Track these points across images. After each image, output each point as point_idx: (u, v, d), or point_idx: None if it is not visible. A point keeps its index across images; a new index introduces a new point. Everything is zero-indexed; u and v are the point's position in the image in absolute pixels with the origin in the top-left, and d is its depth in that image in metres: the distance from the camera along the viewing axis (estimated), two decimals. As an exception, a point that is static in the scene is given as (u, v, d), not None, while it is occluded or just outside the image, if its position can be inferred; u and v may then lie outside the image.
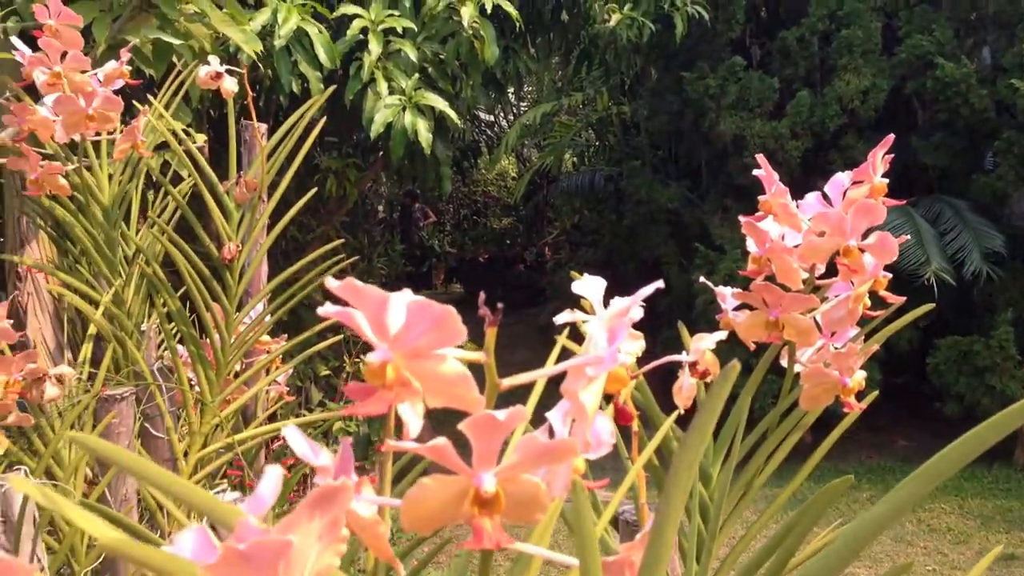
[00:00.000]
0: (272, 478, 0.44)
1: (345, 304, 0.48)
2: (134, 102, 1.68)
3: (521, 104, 10.33)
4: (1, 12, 2.39)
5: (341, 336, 2.48)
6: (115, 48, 2.54)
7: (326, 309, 0.47)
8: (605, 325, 0.51)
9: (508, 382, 0.51)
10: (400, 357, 0.45)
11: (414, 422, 0.51)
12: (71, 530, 1.51)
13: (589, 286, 0.85)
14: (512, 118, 10.04)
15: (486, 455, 0.44)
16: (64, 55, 1.39)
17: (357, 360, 4.75)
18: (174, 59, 2.71)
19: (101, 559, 1.50)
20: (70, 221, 1.78)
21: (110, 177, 1.70)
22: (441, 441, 0.44)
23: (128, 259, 1.84)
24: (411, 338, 0.44)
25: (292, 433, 0.52)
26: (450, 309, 0.45)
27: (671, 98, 5.88)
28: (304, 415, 4.09)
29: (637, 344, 0.82)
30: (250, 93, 1.71)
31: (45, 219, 3.09)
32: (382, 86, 3.42)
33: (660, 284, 0.57)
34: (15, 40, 1.44)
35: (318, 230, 4.83)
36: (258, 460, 2.11)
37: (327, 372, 4.67)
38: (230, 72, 1.63)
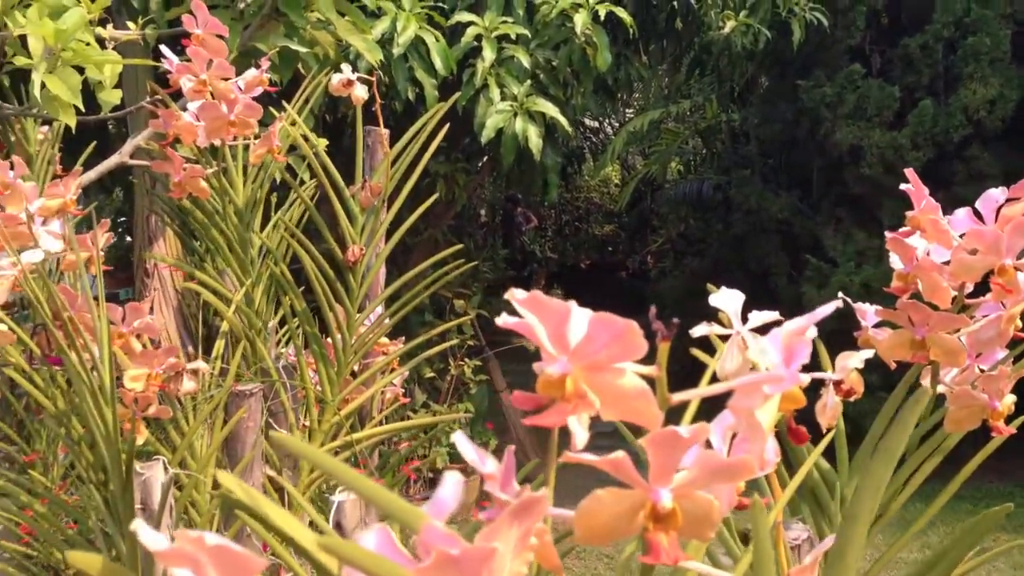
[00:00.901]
0: (451, 484, 0.45)
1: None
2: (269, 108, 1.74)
3: (626, 111, 10.27)
4: (140, 20, 2.51)
5: (457, 340, 2.50)
6: (246, 56, 2.63)
7: (504, 319, 0.48)
8: (782, 343, 0.50)
9: (679, 397, 0.51)
10: (579, 370, 0.45)
11: (580, 433, 0.51)
12: (201, 520, 1.57)
13: (726, 299, 0.84)
14: (617, 125, 10.01)
15: (663, 470, 0.44)
16: (210, 63, 1.45)
17: (461, 363, 4.80)
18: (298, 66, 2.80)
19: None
20: (204, 222, 1.86)
21: (243, 180, 1.76)
22: (620, 454, 0.44)
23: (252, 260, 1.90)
24: (591, 351, 0.45)
25: (461, 439, 0.53)
26: (632, 323, 0.45)
27: (784, 106, 5.76)
28: (409, 416, 4.16)
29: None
30: (378, 100, 1.75)
31: (172, 218, 3.22)
32: (494, 92, 3.45)
33: (838, 304, 0.55)
34: (164, 49, 1.50)
35: (425, 234, 4.90)
36: (372, 459, 2.15)
37: (432, 374, 4.73)
38: (362, 80, 1.67)
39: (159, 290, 3.68)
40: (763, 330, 0.86)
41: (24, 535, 2.09)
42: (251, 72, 1.50)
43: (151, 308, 3.64)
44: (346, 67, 1.65)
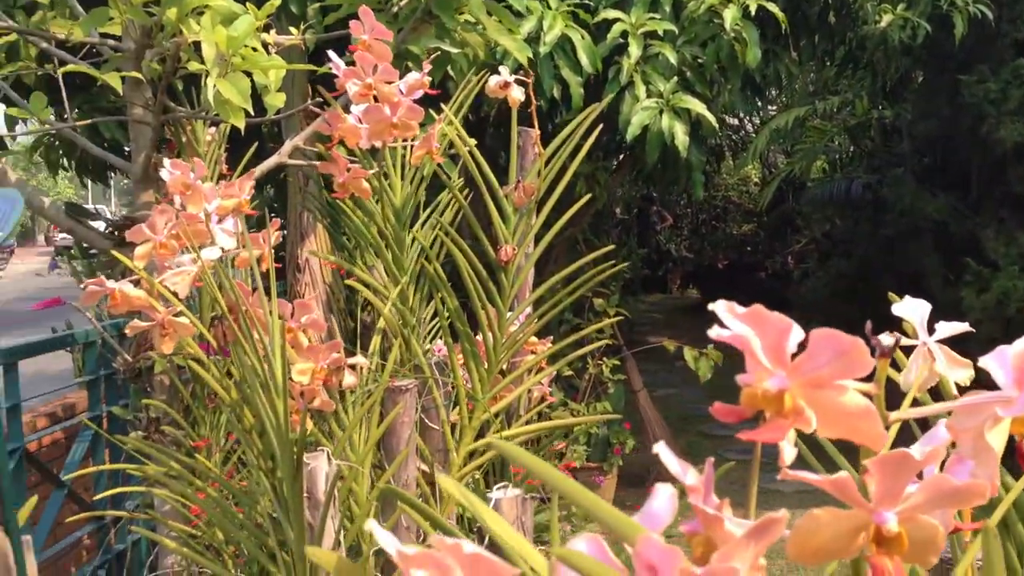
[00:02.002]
0: (664, 496, 0.45)
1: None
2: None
3: (768, 108, 10.01)
4: (301, 26, 2.60)
5: (602, 342, 2.49)
6: (399, 58, 2.69)
7: (718, 332, 0.47)
8: (1011, 363, 0.47)
9: (896, 416, 0.48)
10: (798, 386, 0.44)
11: (788, 450, 0.50)
12: (361, 511, 1.62)
13: (911, 308, 0.80)
14: (758, 122, 9.76)
15: (889, 493, 0.43)
16: (375, 68, 1.49)
17: (599, 362, 4.79)
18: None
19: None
20: (362, 219, 1.91)
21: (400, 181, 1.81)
22: (843, 475, 0.43)
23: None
24: (813, 367, 0.43)
25: (663, 451, 0.52)
26: (858, 340, 0.43)
27: (942, 102, 5.48)
28: (548, 415, 4.17)
29: (966, 372, 0.76)
30: (534, 101, 1.76)
31: (323, 215, 3.33)
32: (640, 89, 3.42)
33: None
34: (332, 55, 1.55)
35: (566, 233, 4.90)
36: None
37: (570, 373, 4.73)
38: (518, 82, 1.68)
39: (309, 285, 3.82)
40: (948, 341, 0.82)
41: (192, 516, 2.21)
42: (413, 75, 1.53)
43: (303, 302, 3.78)
44: (504, 69, 1.66)
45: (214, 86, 1.97)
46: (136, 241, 1.33)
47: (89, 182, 5.55)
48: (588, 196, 2.00)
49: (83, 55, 2.58)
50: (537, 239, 1.96)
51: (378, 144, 1.62)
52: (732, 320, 0.46)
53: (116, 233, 2.53)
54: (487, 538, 1.44)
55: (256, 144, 3.24)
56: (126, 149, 4.48)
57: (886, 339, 0.79)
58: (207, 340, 1.53)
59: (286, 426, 1.36)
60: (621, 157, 4.99)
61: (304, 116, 2.93)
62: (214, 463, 2.43)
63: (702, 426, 6.92)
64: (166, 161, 1.43)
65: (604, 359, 4.74)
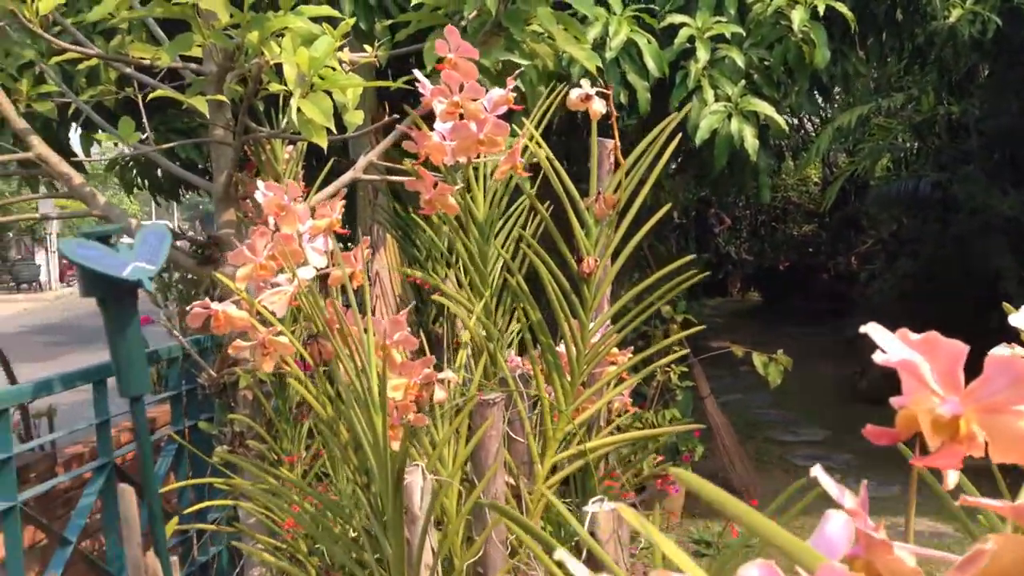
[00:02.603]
0: (838, 521, 0.45)
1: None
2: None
3: (827, 107, 9.86)
4: (376, 44, 2.64)
5: (686, 351, 2.48)
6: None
7: (883, 357, 0.47)
8: None
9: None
10: (973, 411, 0.44)
11: (952, 475, 0.50)
12: (451, 527, 1.63)
13: (1029, 318, 0.80)
14: (818, 121, 9.62)
15: (1073, 519, 0.42)
16: (462, 86, 1.51)
17: (667, 369, 4.75)
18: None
19: (478, 555, 1.61)
20: (441, 232, 1.93)
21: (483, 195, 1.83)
22: (1025, 502, 0.43)
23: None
24: (989, 393, 0.43)
25: (820, 473, 0.52)
26: (1038, 366, 0.43)
27: (1011, 97, 5.35)
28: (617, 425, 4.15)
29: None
30: (614, 113, 1.76)
31: (394, 227, 3.36)
32: (708, 93, 3.40)
33: None
34: (418, 74, 1.58)
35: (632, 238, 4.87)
36: (598, 470, 2.16)
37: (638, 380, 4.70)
38: (600, 95, 1.69)
39: (380, 297, 3.86)
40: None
41: (278, 529, 2.25)
42: (497, 91, 1.55)
43: (372, 313, 3.82)
44: (585, 82, 1.67)
45: (297, 106, 2.01)
46: (236, 263, 1.37)
47: (133, 198, 5.68)
48: (668, 205, 2.00)
49: (161, 78, 2.65)
50: (615, 250, 1.97)
51: (462, 160, 1.64)
52: (899, 346, 0.46)
53: (201, 252, 2.60)
54: (584, 552, 1.45)
55: (329, 161, 3.29)
56: (200, 167, 4.59)
57: (1002, 350, 0.78)
58: (301, 358, 1.56)
59: (385, 441, 1.38)
60: (679, 160, 4.96)
61: (373, 132, 2.98)
62: (295, 476, 2.48)
63: (769, 432, 6.83)
64: (260, 183, 1.46)
65: (671, 366, 4.71)
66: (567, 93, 1.79)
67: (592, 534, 1.39)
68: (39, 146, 2.47)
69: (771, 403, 7.53)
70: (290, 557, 2.31)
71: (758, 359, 4.39)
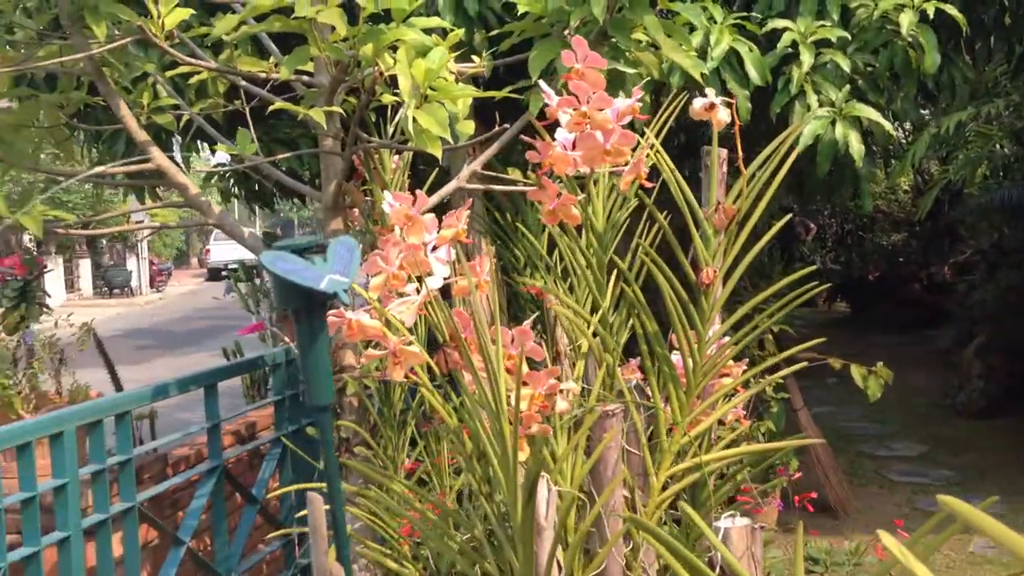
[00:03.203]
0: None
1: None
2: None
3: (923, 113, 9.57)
4: (484, 55, 2.66)
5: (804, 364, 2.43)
6: (573, 80, 2.72)
7: None
8: None
9: None
10: None
11: None
12: (573, 540, 1.62)
13: None
14: (909, 127, 9.35)
15: None
16: (589, 96, 1.50)
17: (761, 380, 4.66)
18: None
19: (601, 568, 1.60)
20: (524, 242, 1.92)
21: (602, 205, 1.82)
22: None
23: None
24: None
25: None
26: None
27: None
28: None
29: None
30: (738, 122, 1.74)
31: (492, 236, 3.37)
32: (811, 98, 3.34)
33: None
34: (543, 84, 1.58)
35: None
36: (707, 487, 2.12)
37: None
38: (726, 104, 1.66)
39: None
40: None
41: (384, 533, 2.27)
42: (624, 101, 1.54)
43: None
44: (710, 91, 1.65)
45: (412, 117, 2.03)
46: (369, 273, 1.38)
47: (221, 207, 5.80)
48: (788, 215, 1.96)
49: (268, 90, 2.71)
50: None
51: (584, 170, 1.63)
52: None
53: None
54: (717, 569, 1.43)
55: (424, 171, 3.32)
56: (297, 177, 4.68)
57: None
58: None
59: (513, 452, 1.38)
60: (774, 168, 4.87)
61: (471, 143, 2.98)
62: (411, 483, 2.49)
63: (862, 446, 6.66)
64: (386, 194, 1.48)
65: (765, 376, 4.61)
66: (685, 102, 1.77)
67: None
68: (159, 157, 2.55)
69: (862, 416, 7.34)
70: (394, 558, 2.32)
71: (857, 371, 4.27)
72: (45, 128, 2.89)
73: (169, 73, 2.86)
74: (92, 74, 2.48)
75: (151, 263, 25.88)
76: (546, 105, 1.59)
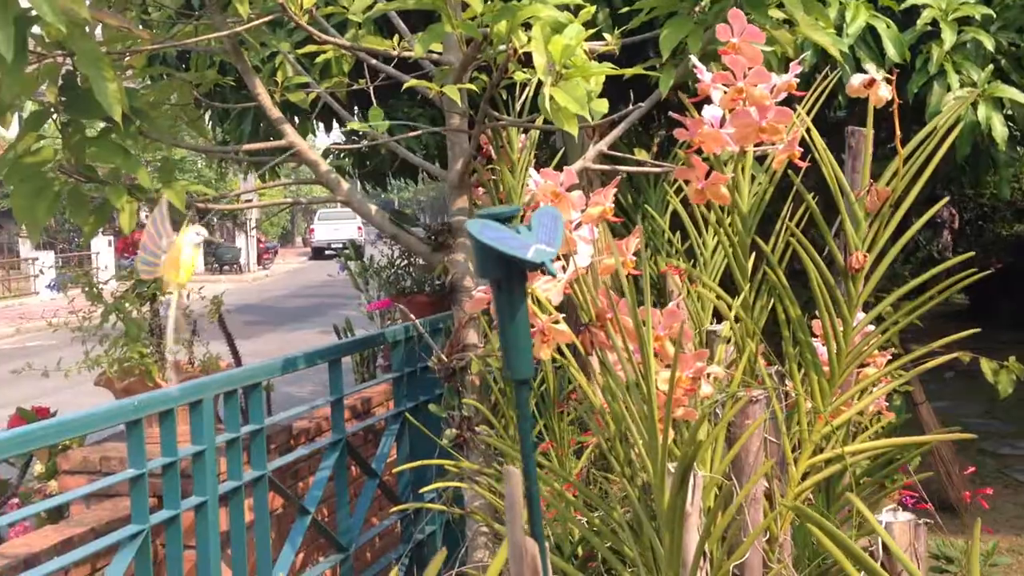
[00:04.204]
0: None
1: None
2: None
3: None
4: (615, 32, 2.61)
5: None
6: (706, 59, 2.65)
7: None
8: None
9: None
10: None
11: None
12: (716, 527, 1.58)
13: None
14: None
15: None
16: (745, 72, 1.45)
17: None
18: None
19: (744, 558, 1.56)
20: (654, 223, 1.88)
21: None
22: None
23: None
24: None
25: None
26: None
27: None
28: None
29: None
30: (896, 100, 1.66)
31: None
32: (952, 78, 3.18)
33: None
34: (695, 60, 1.53)
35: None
36: (842, 479, 2.05)
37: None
38: (887, 80, 1.59)
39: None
40: None
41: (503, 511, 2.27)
42: (781, 77, 1.48)
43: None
44: (870, 67, 1.57)
45: (550, 95, 2.01)
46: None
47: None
48: (944, 200, 1.87)
49: (394, 67, 2.73)
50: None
51: (732, 149, 1.58)
52: None
53: (434, 239, 2.66)
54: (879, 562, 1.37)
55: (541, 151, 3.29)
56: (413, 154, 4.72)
57: None
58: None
59: (659, 436, 1.35)
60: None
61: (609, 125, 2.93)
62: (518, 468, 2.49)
63: (983, 443, 6.38)
64: (532, 170, 1.46)
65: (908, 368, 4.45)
66: (833, 80, 1.70)
67: (884, 544, 1.31)
68: (291, 135, 2.59)
69: (982, 412, 7.04)
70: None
71: (987, 365, 4.08)
72: (179, 106, 2.97)
73: (299, 51, 2.91)
74: (230, 53, 2.53)
75: (258, 241, 26.64)
76: (696, 81, 1.55)
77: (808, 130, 1.66)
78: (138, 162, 2.22)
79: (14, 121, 2.14)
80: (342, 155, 5.29)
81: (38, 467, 3.20)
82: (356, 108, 4.45)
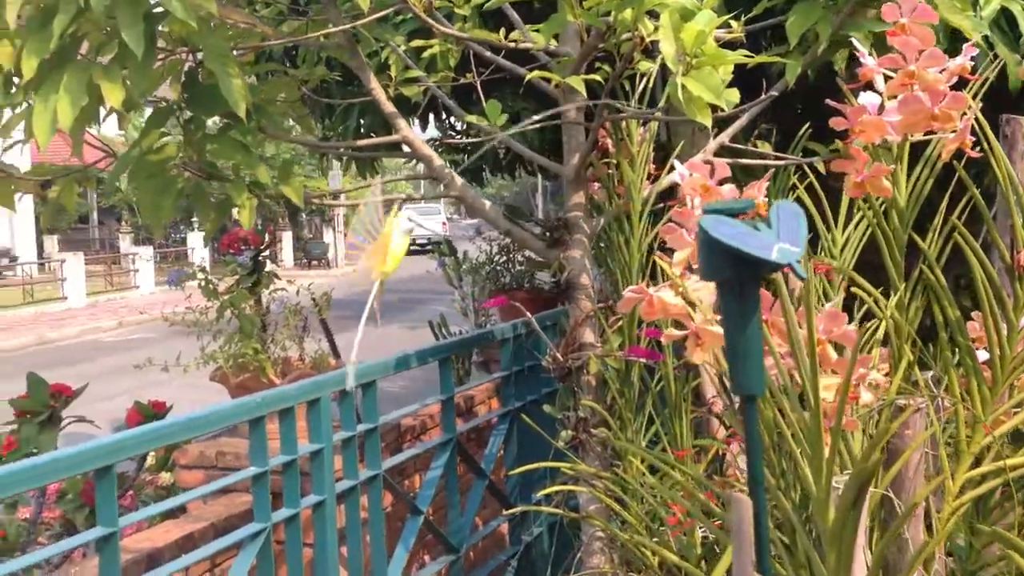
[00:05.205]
0: None
1: None
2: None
3: None
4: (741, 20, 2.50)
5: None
6: (834, 46, 2.52)
7: None
8: None
9: None
10: None
11: None
12: (879, 545, 1.48)
13: None
14: None
15: None
16: (918, 54, 1.34)
17: None
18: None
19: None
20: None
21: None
22: None
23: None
24: None
25: None
26: None
27: None
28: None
29: None
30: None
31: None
32: (1092, 64, 2.97)
33: None
34: (857, 44, 1.43)
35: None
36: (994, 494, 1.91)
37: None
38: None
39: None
40: None
41: (626, 517, 2.19)
42: (955, 60, 1.36)
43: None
44: (1003, 50, 1.44)
45: (681, 84, 1.92)
46: (675, 247, 1.29)
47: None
48: None
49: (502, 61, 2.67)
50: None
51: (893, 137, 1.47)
52: None
53: (549, 235, 2.59)
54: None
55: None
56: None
57: None
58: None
59: (833, 450, 1.25)
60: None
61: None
62: (636, 470, 2.40)
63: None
64: (676, 162, 1.37)
65: None
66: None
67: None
68: (405, 130, 2.56)
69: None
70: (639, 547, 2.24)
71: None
72: (287, 103, 2.97)
73: (409, 45, 2.88)
74: (344, 48, 2.50)
75: (346, 236, 27.02)
76: (857, 64, 1.44)
77: (976, 118, 1.54)
78: (257, 158, 2.21)
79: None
80: (440, 150, 5.28)
81: (150, 459, 3.25)
82: (457, 104, 4.42)
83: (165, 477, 3.25)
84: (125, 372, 2.89)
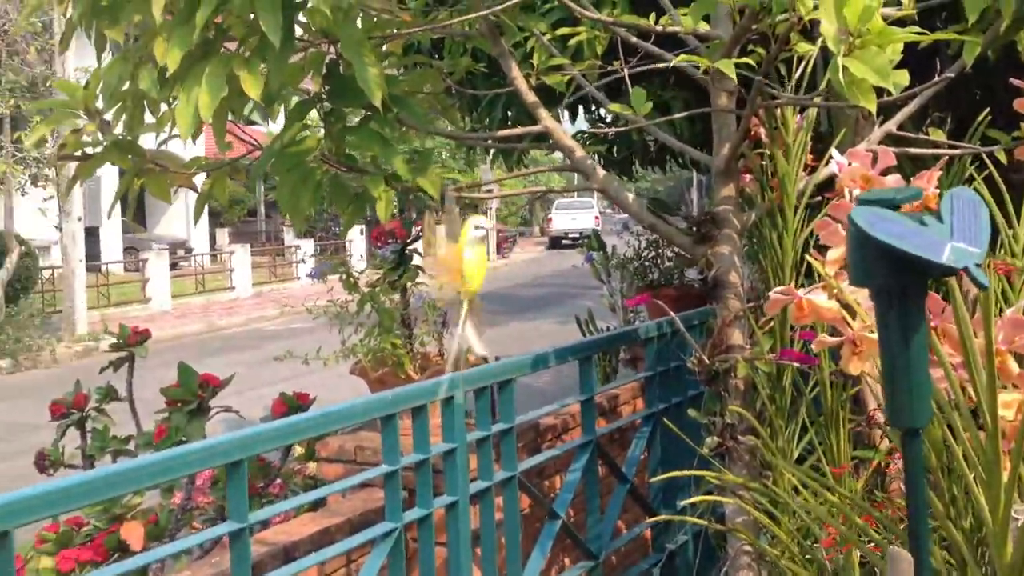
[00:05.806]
0: None
1: None
2: None
3: None
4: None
5: None
6: (1018, 24, 2.27)
7: None
8: None
9: None
10: None
11: None
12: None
13: None
14: None
15: None
16: None
17: None
18: None
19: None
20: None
21: None
22: None
23: None
24: None
25: None
26: None
27: None
28: None
29: None
30: None
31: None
32: None
33: None
34: None
35: None
36: None
37: None
38: None
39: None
40: None
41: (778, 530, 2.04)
42: None
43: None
44: None
45: (843, 65, 1.75)
46: (831, 244, 1.15)
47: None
48: None
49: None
50: None
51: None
52: None
53: (696, 229, 2.46)
54: None
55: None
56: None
57: None
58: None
59: (1013, 477, 1.09)
60: None
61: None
62: (788, 483, 2.24)
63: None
64: (834, 151, 1.23)
65: None
66: None
67: None
68: (546, 119, 2.48)
69: None
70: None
71: None
72: (432, 95, 2.95)
73: (554, 33, 2.80)
74: (486, 35, 2.45)
75: (498, 230, 27.29)
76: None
77: None
78: (395, 151, 2.19)
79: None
80: (587, 143, 5.18)
81: (298, 449, 3.31)
82: (606, 96, 4.31)
83: (312, 467, 3.30)
84: (284, 360, 2.95)
